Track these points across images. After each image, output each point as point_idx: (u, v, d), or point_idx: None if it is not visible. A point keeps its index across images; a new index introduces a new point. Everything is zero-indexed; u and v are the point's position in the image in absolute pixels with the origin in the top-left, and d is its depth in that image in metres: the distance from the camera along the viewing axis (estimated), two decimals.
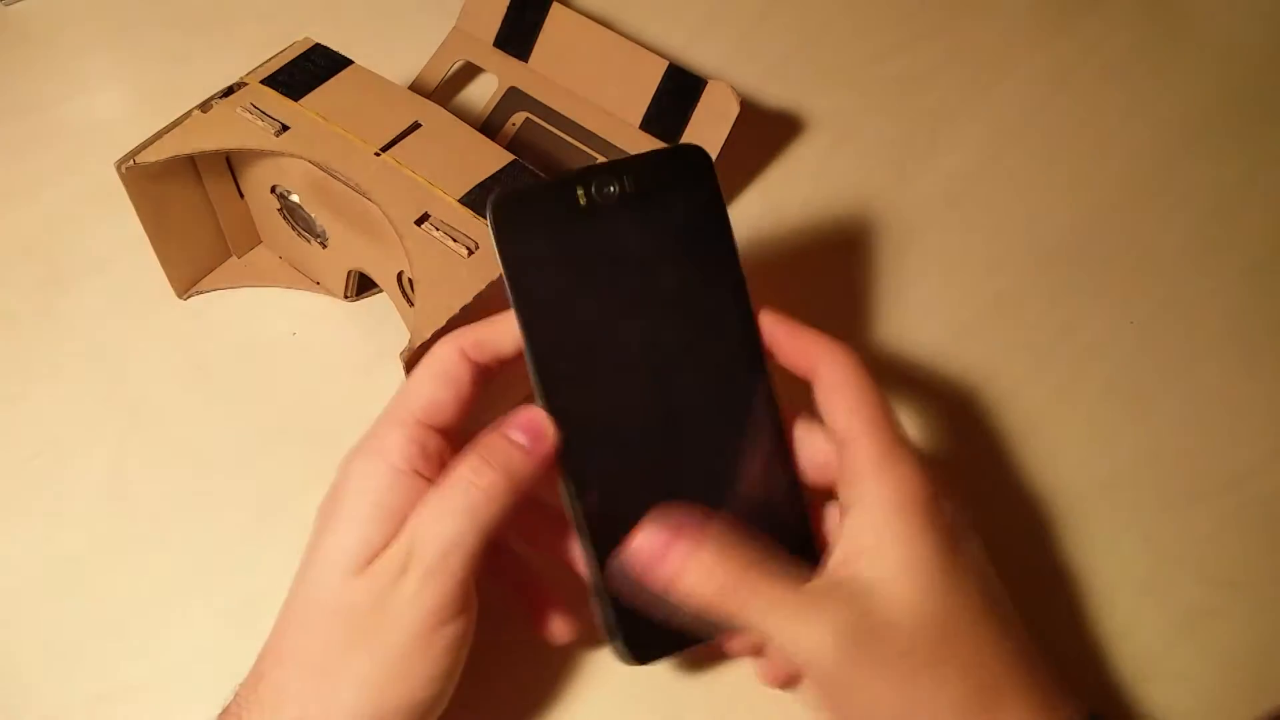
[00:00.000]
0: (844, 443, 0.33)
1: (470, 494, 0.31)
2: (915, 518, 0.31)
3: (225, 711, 0.32)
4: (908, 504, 0.31)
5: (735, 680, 0.39)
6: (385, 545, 0.31)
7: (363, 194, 0.42)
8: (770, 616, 0.31)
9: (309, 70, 0.45)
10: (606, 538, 0.32)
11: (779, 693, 0.39)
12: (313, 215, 0.45)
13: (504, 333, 0.33)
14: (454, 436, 0.33)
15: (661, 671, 0.39)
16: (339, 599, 0.31)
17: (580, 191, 0.33)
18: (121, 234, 0.47)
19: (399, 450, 0.32)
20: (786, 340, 0.34)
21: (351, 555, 0.31)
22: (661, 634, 0.33)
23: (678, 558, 0.31)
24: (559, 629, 0.36)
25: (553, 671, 0.39)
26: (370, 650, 0.30)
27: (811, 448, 0.35)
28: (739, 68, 0.59)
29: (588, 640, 0.39)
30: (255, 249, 0.50)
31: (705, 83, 0.49)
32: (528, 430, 0.32)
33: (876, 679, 0.31)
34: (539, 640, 0.37)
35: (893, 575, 0.31)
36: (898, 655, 0.30)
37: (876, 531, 0.31)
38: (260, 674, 0.32)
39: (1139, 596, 0.42)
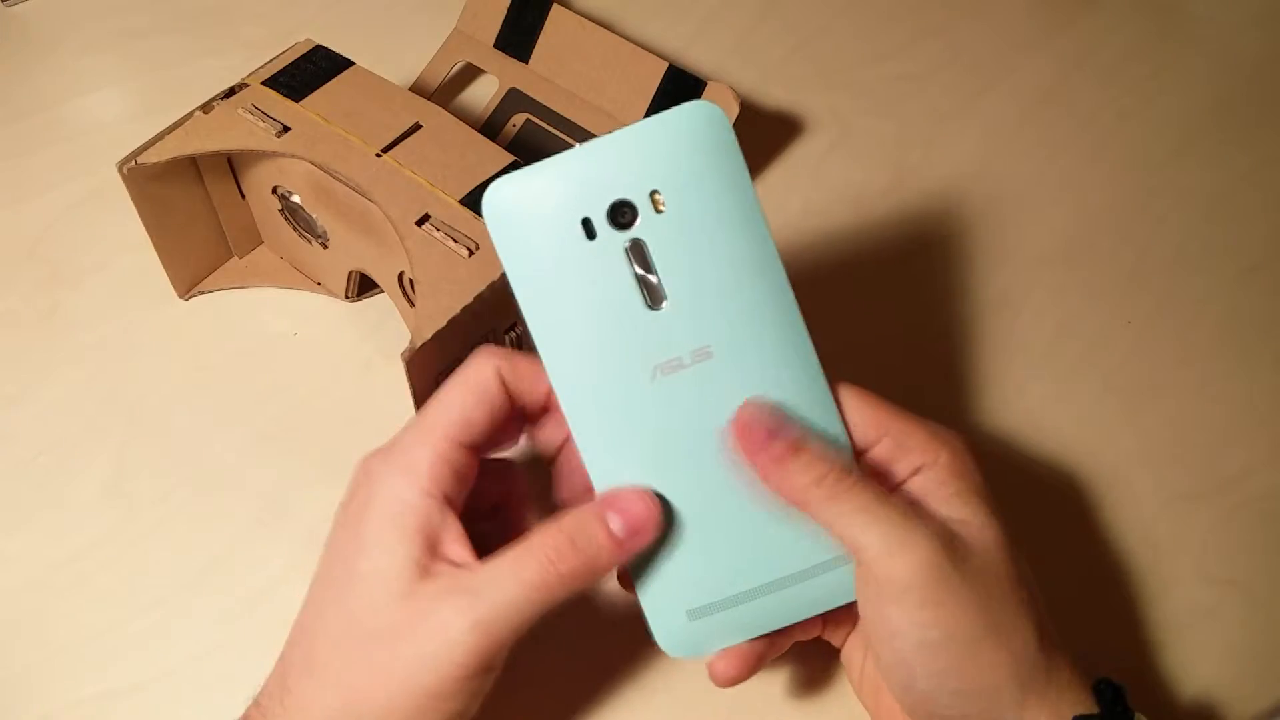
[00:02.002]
0: (893, 433, 0.33)
1: (547, 573, 0.30)
2: (974, 480, 0.33)
3: (246, 716, 0.31)
4: (966, 474, 0.33)
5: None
6: (421, 572, 0.30)
7: (364, 195, 0.42)
8: (862, 517, 0.30)
9: (310, 71, 0.45)
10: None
11: (778, 694, 0.39)
12: (314, 216, 0.45)
13: (541, 376, 0.32)
14: (484, 449, 0.33)
15: (671, 674, 0.39)
16: (376, 623, 0.30)
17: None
18: (123, 234, 0.48)
19: (430, 473, 0.31)
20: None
21: (386, 581, 0.30)
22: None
23: (786, 441, 0.30)
24: None
25: (561, 684, 0.39)
26: (401, 682, 0.30)
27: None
28: (739, 68, 0.59)
29: (585, 645, 0.40)
30: (256, 249, 0.50)
31: (705, 84, 0.50)
32: (629, 524, 0.30)
33: (960, 602, 0.31)
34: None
35: (979, 532, 0.32)
36: (984, 581, 0.31)
37: (947, 488, 0.32)
38: (287, 686, 0.31)
39: (1137, 596, 0.42)
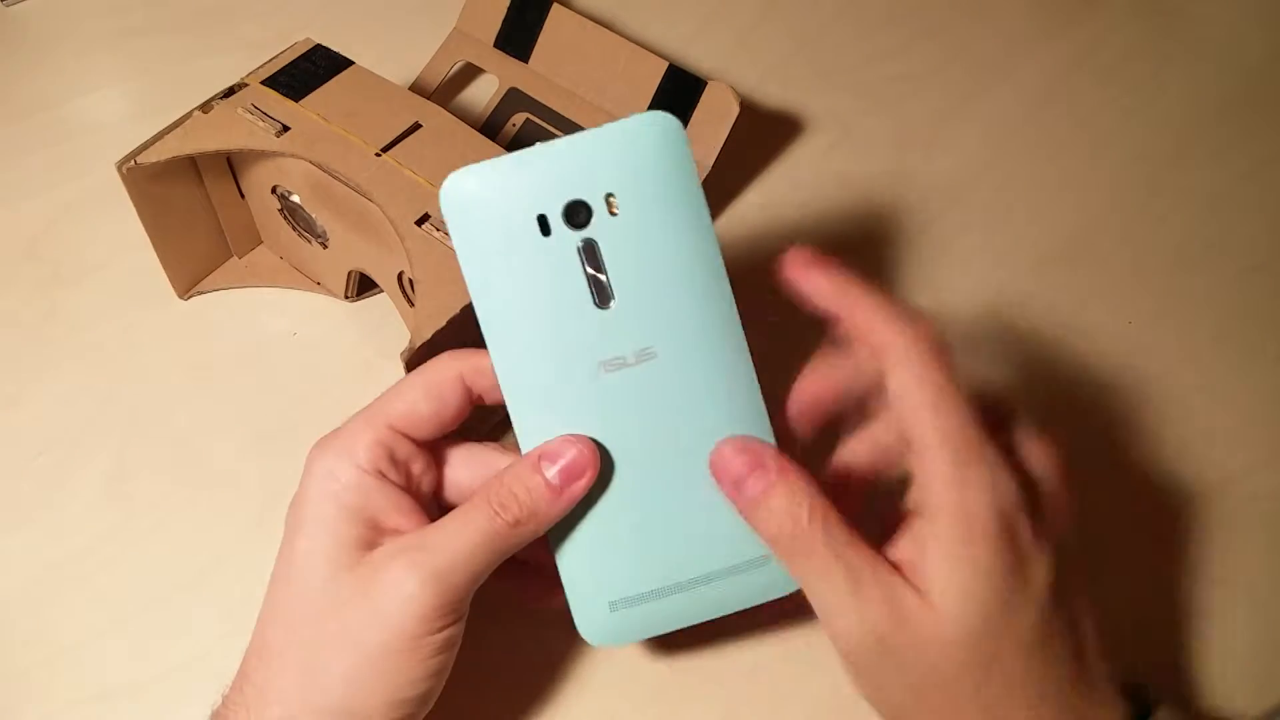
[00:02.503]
0: (916, 448, 0.30)
1: (494, 522, 0.31)
2: (981, 544, 0.29)
3: (213, 715, 0.32)
4: (976, 528, 0.30)
5: (739, 684, 0.39)
6: (365, 545, 0.31)
7: (363, 194, 0.42)
8: (821, 578, 0.30)
9: (310, 71, 0.45)
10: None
11: (783, 693, 0.39)
12: (313, 216, 0.45)
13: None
14: (432, 444, 0.34)
15: (662, 670, 0.39)
16: (323, 596, 0.31)
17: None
18: (122, 234, 0.48)
19: (365, 452, 0.32)
20: (856, 308, 0.31)
21: (328, 555, 0.31)
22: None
23: (771, 475, 0.31)
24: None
25: (540, 670, 0.39)
26: (356, 647, 0.30)
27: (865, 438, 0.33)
28: (739, 68, 0.59)
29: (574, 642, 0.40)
30: (256, 249, 0.50)
31: (705, 83, 0.50)
32: (565, 470, 0.31)
33: (893, 683, 0.31)
34: (530, 638, 0.37)
35: (941, 596, 0.30)
36: (919, 671, 0.30)
37: (940, 548, 0.30)
38: (245, 675, 0.32)
39: (1138, 594, 0.42)
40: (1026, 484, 0.31)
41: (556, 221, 0.31)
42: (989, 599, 0.30)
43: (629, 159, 0.31)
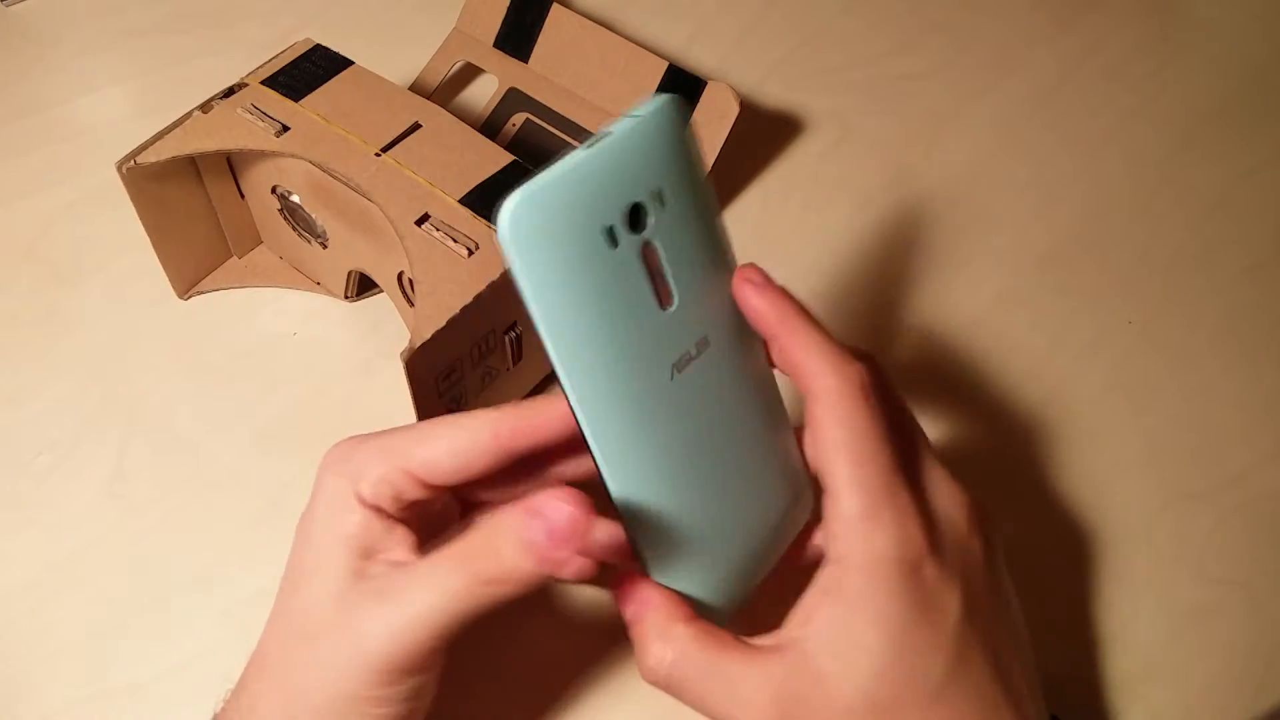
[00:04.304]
0: (829, 491, 0.30)
1: (467, 579, 0.28)
2: (884, 590, 0.29)
3: (214, 717, 0.32)
4: (880, 574, 0.29)
5: None
6: (355, 574, 0.30)
7: (363, 194, 0.42)
8: (711, 677, 0.30)
9: (309, 71, 0.45)
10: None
11: None
12: (313, 215, 0.45)
13: (546, 420, 0.31)
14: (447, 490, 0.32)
15: None
16: (315, 620, 0.30)
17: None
18: (122, 234, 0.48)
19: (370, 487, 0.31)
20: (791, 340, 0.31)
21: (324, 577, 0.30)
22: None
23: (640, 607, 0.31)
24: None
25: (541, 670, 0.39)
26: (331, 684, 0.30)
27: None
28: (739, 68, 0.59)
29: (574, 642, 0.40)
30: (256, 249, 0.50)
31: (705, 83, 0.50)
32: (552, 532, 0.27)
33: None
34: (531, 638, 0.36)
35: (842, 651, 0.29)
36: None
37: (841, 598, 0.29)
38: (244, 684, 0.32)
39: (1138, 594, 0.42)
40: (938, 520, 0.31)
41: (621, 230, 0.29)
42: (886, 650, 0.29)
43: (662, 150, 0.30)
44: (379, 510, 0.31)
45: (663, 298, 0.30)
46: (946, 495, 0.32)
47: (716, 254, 0.32)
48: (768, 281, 0.32)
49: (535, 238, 0.28)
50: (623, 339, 0.30)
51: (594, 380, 0.30)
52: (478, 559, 0.28)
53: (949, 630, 0.30)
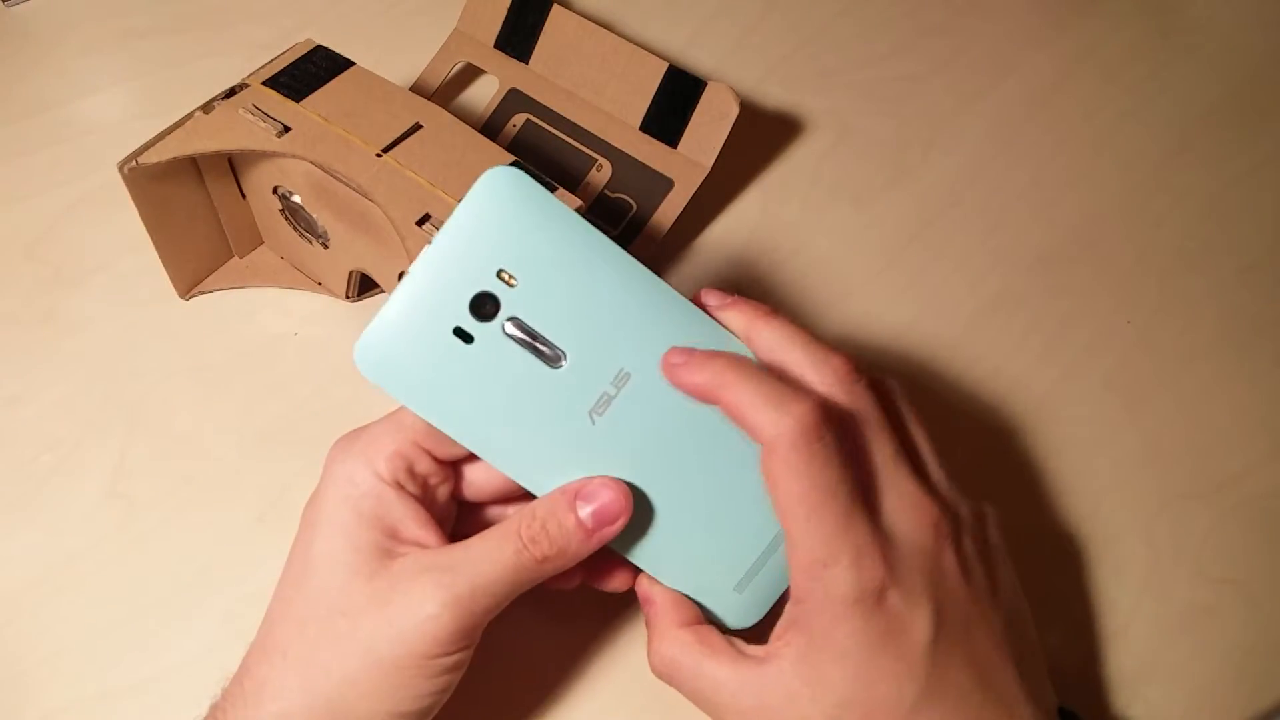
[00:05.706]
0: (787, 535, 0.31)
1: (522, 556, 0.31)
2: (844, 628, 0.30)
3: (211, 708, 0.32)
4: (840, 613, 0.30)
5: None
6: (383, 553, 0.31)
7: (364, 195, 0.42)
8: (700, 677, 0.32)
9: (310, 72, 0.45)
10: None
11: None
12: (314, 216, 0.46)
13: None
14: (452, 469, 0.34)
15: None
16: (337, 599, 0.31)
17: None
18: (123, 235, 0.48)
19: (386, 463, 0.32)
20: (725, 406, 0.31)
21: (345, 559, 0.31)
22: None
23: (650, 608, 0.34)
24: (618, 579, 0.36)
25: (542, 670, 0.39)
26: (365, 655, 0.30)
27: None
28: (739, 68, 0.59)
29: (574, 642, 0.40)
30: (257, 249, 0.50)
31: (705, 84, 0.50)
32: (598, 512, 0.31)
33: None
34: (529, 639, 0.36)
35: (810, 680, 0.30)
36: None
37: (806, 632, 0.31)
38: (246, 669, 0.32)
39: (1137, 594, 0.42)
40: (899, 544, 0.31)
41: (472, 325, 0.31)
42: (852, 682, 0.30)
43: (493, 231, 0.31)
44: (397, 486, 0.32)
45: (549, 359, 0.31)
46: (910, 513, 0.32)
47: (613, 287, 0.31)
48: (722, 302, 0.33)
49: (390, 371, 0.31)
50: (519, 413, 0.31)
51: (507, 454, 0.32)
52: (533, 538, 0.31)
53: (919, 652, 0.31)
